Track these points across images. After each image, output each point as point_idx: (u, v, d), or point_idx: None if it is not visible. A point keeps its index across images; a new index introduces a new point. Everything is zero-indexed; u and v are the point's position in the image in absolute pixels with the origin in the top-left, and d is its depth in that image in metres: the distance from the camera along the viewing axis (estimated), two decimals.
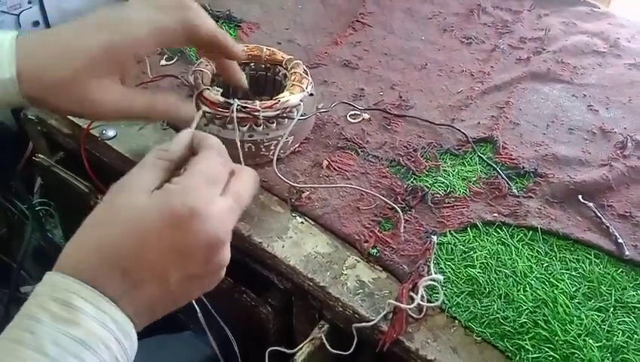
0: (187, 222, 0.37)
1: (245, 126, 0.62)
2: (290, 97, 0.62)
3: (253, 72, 0.72)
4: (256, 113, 0.60)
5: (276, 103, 0.61)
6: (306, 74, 0.67)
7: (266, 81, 0.72)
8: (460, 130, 0.71)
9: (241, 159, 0.62)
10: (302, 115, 0.63)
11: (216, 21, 0.89)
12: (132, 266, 0.37)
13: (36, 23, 0.92)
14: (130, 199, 0.38)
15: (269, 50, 0.71)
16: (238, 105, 0.60)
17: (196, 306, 0.62)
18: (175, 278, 0.38)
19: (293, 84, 0.65)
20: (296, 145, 0.68)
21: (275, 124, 0.62)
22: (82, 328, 0.34)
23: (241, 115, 0.60)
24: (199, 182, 0.38)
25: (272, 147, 0.64)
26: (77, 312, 0.34)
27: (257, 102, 0.61)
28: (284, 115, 0.63)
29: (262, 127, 0.62)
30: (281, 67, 0.70)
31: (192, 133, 0.43)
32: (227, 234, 0.40)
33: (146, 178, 0.39)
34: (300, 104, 0.63)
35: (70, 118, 0.71)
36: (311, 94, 0.66)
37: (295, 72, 0.67)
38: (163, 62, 0.79)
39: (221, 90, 0.64)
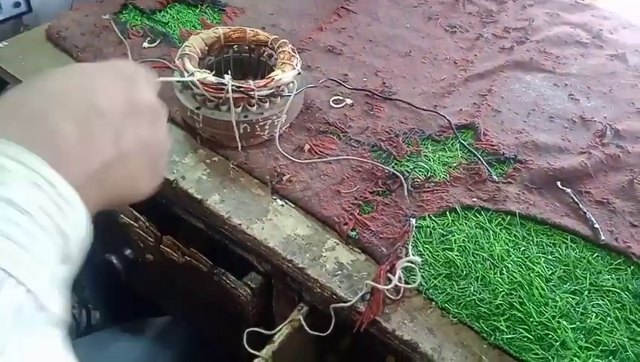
0: (133, 76, 0.36)
1: (239, 107, 0.61)
2: (282, 75, 0.62)
3: (236, 54, 0.71)
4: (251, 92, 0.60)
5: (270, 81, 0.61)
6: (294, 52, 0.67)
7: (250, 62, 0.72)
8: (442, 116, 0.72)
9: (238, 140, 0.62)
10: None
11: (201, 5, 0.89)
12: (82, 115, 0.32)
13: (17, 4, 0.90)
14: (75, 66, 0.37)
15: (253, 30, 0.70)
16: (232, 85, 0.59)
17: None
18: (127, 136, 0.34)
19: (283, 62, 0.64)
20: (287, 126, 0.68)
21: (268, 103, 0.62)
22: (11, 187, 0.28)
23: (234, 95, 0.60)
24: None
25: (267, 126, 0.63)
26: (4, 171, 0.28)
27: (251, 82, 0.60)
28: (277, 93, 0.62)
29: (255, 106, 0.62)
30: (266, 47, 0.70)
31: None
32: (166, 114, 0.39)
33: None
34: (293, 81, 0.63)
35: None
36: (299, 73, 0.66)
37: (284, 51, 0.66)
38: (145, 44, 0.78)
39: (212, 73, 0.63)
